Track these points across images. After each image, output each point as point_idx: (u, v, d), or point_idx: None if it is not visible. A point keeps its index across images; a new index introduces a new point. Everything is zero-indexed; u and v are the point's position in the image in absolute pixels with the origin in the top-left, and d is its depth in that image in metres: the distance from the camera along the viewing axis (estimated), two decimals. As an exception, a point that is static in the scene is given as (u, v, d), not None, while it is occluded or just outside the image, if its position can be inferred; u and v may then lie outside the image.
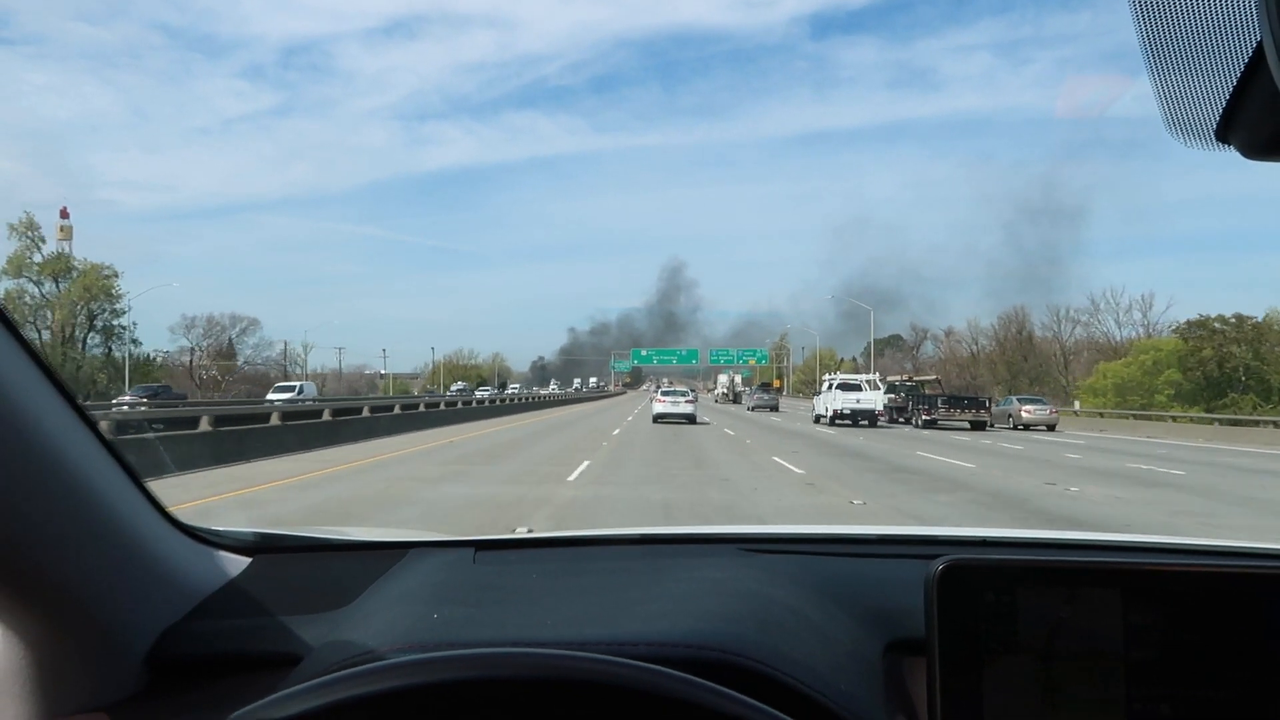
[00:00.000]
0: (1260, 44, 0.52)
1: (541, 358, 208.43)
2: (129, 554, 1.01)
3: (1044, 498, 11.84)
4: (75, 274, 55.01)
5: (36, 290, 54.59)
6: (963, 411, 32.84)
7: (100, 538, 0.97)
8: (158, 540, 1.08)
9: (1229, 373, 49.62)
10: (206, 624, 1.10)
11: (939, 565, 0.90)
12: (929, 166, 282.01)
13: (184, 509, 1.57)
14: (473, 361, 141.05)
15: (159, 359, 63.73)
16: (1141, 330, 63.91)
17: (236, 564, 1.24)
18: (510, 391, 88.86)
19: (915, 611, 0.95)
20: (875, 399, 33.83)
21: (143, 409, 27.48)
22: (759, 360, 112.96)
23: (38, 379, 0.89)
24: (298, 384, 51.08)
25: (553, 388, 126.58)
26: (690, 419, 32.18)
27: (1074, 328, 69.27)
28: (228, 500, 10.48)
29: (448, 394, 67.67)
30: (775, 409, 52.31)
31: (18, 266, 53.73)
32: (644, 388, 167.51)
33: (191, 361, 68.82)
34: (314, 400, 39.96)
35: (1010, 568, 0.91)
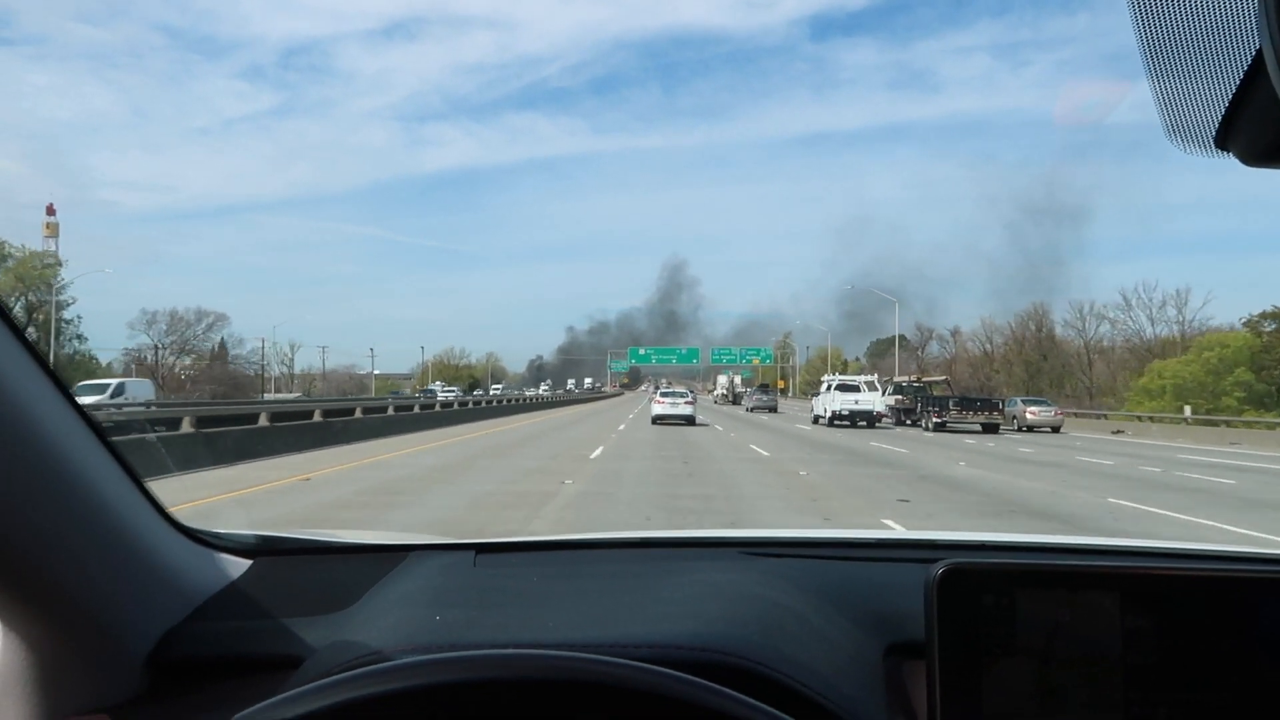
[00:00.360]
0: (1260, 51, 0.52)
1: (540, 357, 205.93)
2: (130, 556, 1.02)
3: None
4: (9, 261, 52.18)
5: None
6: (975, 413, 32.03)
7: (102, 540, 0.98)
8: (159, 542, 1.09)
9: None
10: (208, 626, 1.11)
11: (939, 569, 0.91)
12: (930, 167, 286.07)
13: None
14: (464, 361, 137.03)
15: (104, 358, 60.71)
16: (1176, 328, 60.66)
17: (237, 566, 1.25)
18: (481, 394, 76.17)
19: (915, 615, 0.96)
20: (874, 400, 33.96)
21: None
22: (763, 360, 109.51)
23: (40, 379, 0.89)
24: (113, 382, 35.34)
25: (543, 389, 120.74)
26: (689, 420, 32.18)
27: (1099, 324, 65.66)
28: None
29: (391, 396, 58.20)
30: (774, 409, 52.36)
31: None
32: (642, 388, 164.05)
33: (157, 359, 65.54)
34: (148, 404, 30.77)
35: (1009, 571, 0.92)
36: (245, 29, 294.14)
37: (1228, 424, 35.38)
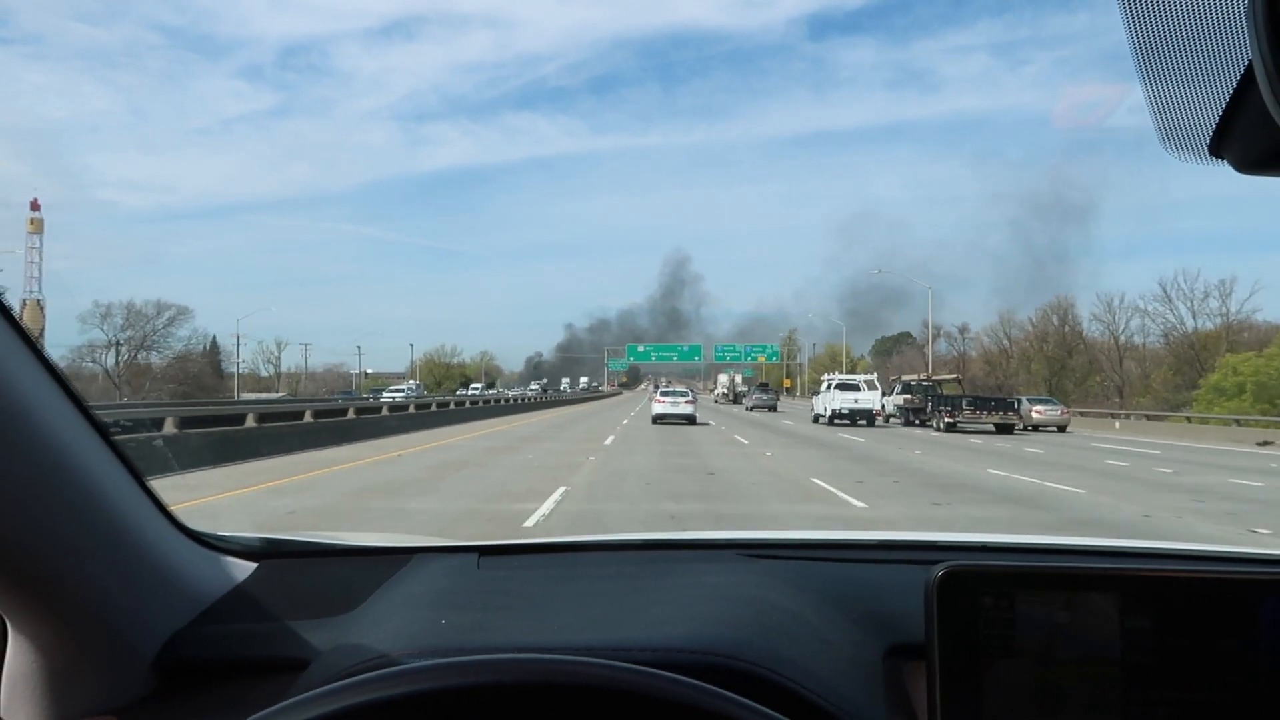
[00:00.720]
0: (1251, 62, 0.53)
1: (539, 354, 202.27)
2: (137, 559, 1.04)
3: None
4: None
5: None
6: (989, 413, 31.17)
7: (109, 543, 0.99)
8: (165, 545, 1.10)
9: None
10: (214, 628, 1.12)
11: (939, 571, 0.93)
12: (931, 165, 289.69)
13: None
14: (457, 359, 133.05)
15: (55, 354, 57.24)
16: (1219, 320, 56.05)
17: (243, 569, 1.27)
18: (450, 395, 66.14)
19: (914, 616, 0.97)
20: (873, 399, 34.21)
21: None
22: (769, 357, 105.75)
23: (47, 383, 0.90)
24: None
25: (533, 388, 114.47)
26: (690, 419, 32.26)
27: (1130, 318, 61.35)
28: None
29: (339, 398, 50.57)
30: (773, 409, 52.34)
31: None
32: (642, 387, 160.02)
33: (118, 358, 62.12)
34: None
35: (1009, 573, 0.93)
36: (244, 29, 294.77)
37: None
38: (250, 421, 19.53)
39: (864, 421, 33.48)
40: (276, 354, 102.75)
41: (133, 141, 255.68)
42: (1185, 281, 58.41)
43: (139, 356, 62.88)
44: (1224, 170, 0.62)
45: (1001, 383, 62.76)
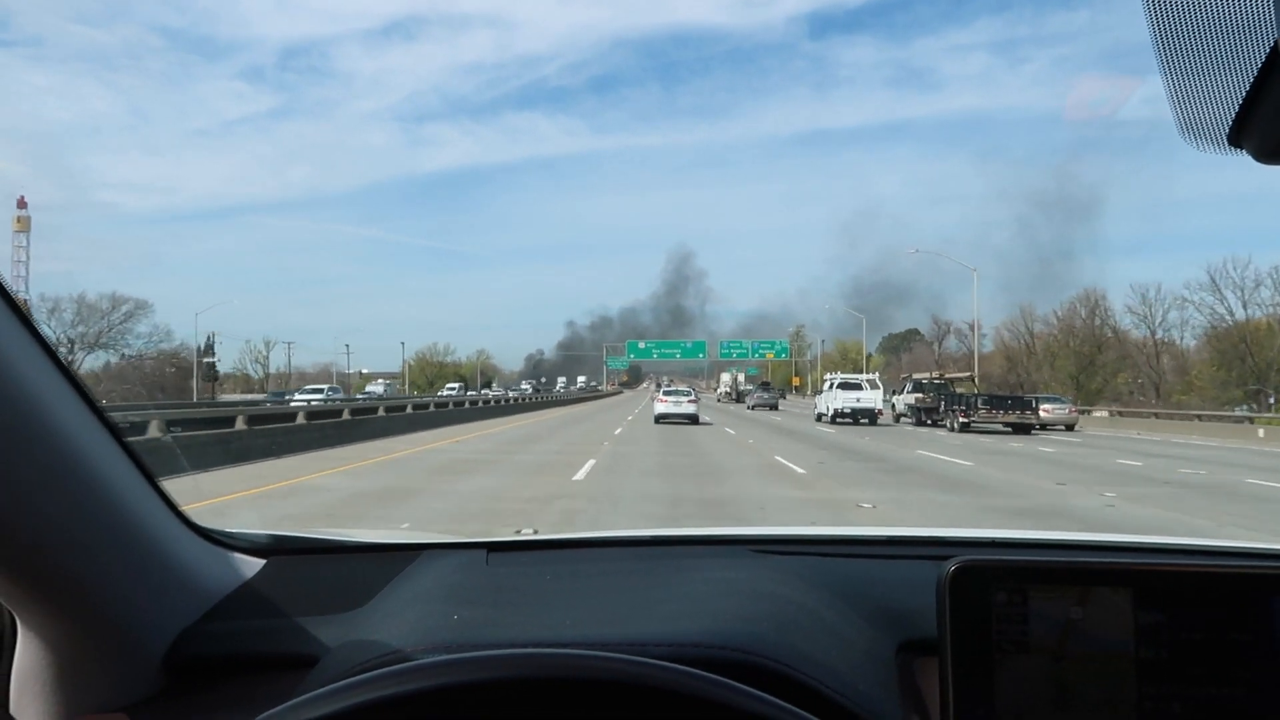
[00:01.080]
0: (1275, 48, 0.54)
1: (540, 351, 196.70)
2: (146, 555, 1.04)
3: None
4: None
5: None
6: (1006, 413, 30.45)
7: (119, 539, 1.00)
8: (174, 542, 1.11)
9: None
10: (223, 625, 1.13)
11: (951, 566, 0.93)
12: (934, 162, 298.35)
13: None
14: (450, 357, 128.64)
15: None
16: (1271, 309, 51.33)
17: (251, 565, 1.27)
18: (422, 395, 61.77)
19: (926, 612, 0.98)
20: (875, 398, 34.53)
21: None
22: (778, 354, 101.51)
23: (57, 379, 0.91)
24: None
25: (524, 387, 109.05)
26: (693, 419, 32.21)
27: (1167, 310, 56.66)
28: None
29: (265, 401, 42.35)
30: (774, 407, 52.73)
31: None
32: (644, 386, 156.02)
33: (70, 357, 58.50)
34: None
35: (1021, 568, 0.94)
36: (244, 30, 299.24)
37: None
38: (153, 431, 15.60)
39: (866, 420, 33.98)
40: (265, 354, 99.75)
41: (134, 143, 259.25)
42: (1235, 269, 53.59)
43: (114, 359, 59.12)
44: (1235, 163, 0.61)
45: (1022, 380, 58.79)
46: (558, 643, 0.99)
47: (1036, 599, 0.93)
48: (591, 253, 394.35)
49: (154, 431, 15.15)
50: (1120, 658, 0.92)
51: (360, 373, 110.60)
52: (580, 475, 13.72)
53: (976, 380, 40.50)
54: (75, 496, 0.92)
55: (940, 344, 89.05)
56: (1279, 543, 1.38)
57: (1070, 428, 33.60)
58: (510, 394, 68.38)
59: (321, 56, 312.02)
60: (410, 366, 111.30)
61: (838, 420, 34.18)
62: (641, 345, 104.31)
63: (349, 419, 23.57)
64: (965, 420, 30.32)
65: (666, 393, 35.27)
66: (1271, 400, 43.92)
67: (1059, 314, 64.34)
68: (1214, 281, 53.39)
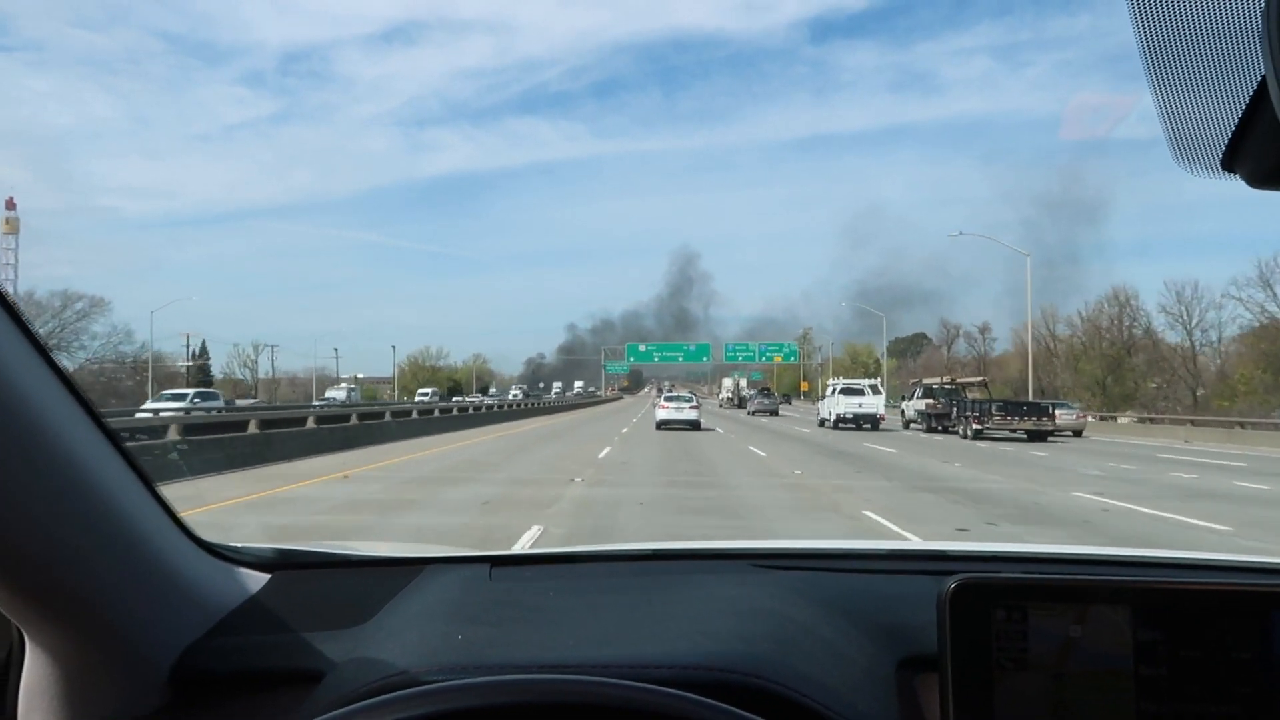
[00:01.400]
0: (1265, 77, 0.54)
1: (541, 355, 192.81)
2: (151, 570, 1.05)
3: None
4: None
5: None
6: (1021, 419, 29.79)
7: (123, 554, 1.00)
8: (179, 556, 1.11)
9: None
10: (228, 640, 1.13)
11: (952, 583, 0.95)
12: (936, 167, 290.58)
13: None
14: (443, 361, 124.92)
15: None
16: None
17: (256, 580, 1.28)
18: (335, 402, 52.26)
19: (926, 628, 0.99)
20: (877, 403, 35.12)
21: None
22: (786, 357, 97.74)
23: (60, 391, 0.92)
24: None
25: (514, 394, 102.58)
26: (694, 425, 32.64)
27: (1204, 310, 52.55)
28: None
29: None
30: (775, 413, 53.23)
31: None
32: (645, 391, 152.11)
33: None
34: None
35: (1022, 586, 0.95)
36: (245, 35, 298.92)
37: None
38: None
39: (868, 426, 34.43)
40: (253, 358, 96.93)
41: (134, 148, 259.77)
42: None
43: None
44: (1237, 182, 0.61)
45: (1044, 385, 55.06)
46: (561, 664, 1.01)
47: (1036, 616, 0.93)
48: (593, 257, 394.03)
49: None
50: (1119, 675, 0.92)
51: (357, 377, 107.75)
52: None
53: (1031, 389, 40.01)
54: (80, 510, 0.92)
55: (950, 347, 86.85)
56: (1278, 558, 1.38)
57: (1078, 434, 33.44)
58: (487, 401, 61.19)
59: (322, 61, 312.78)
60: (402, 370, 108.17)
61: (840, 425, 34.64)
62: (642, 348, 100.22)
63: (255, 433, 18.70)
64: (978, 427, 29.83)
65: (668, 398, 35.35)
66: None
67: (1084, 314, 60.70)
68: (1263, 278, 49.69)
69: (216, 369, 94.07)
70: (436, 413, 36.35)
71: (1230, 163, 0.61)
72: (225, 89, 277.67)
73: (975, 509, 11.07)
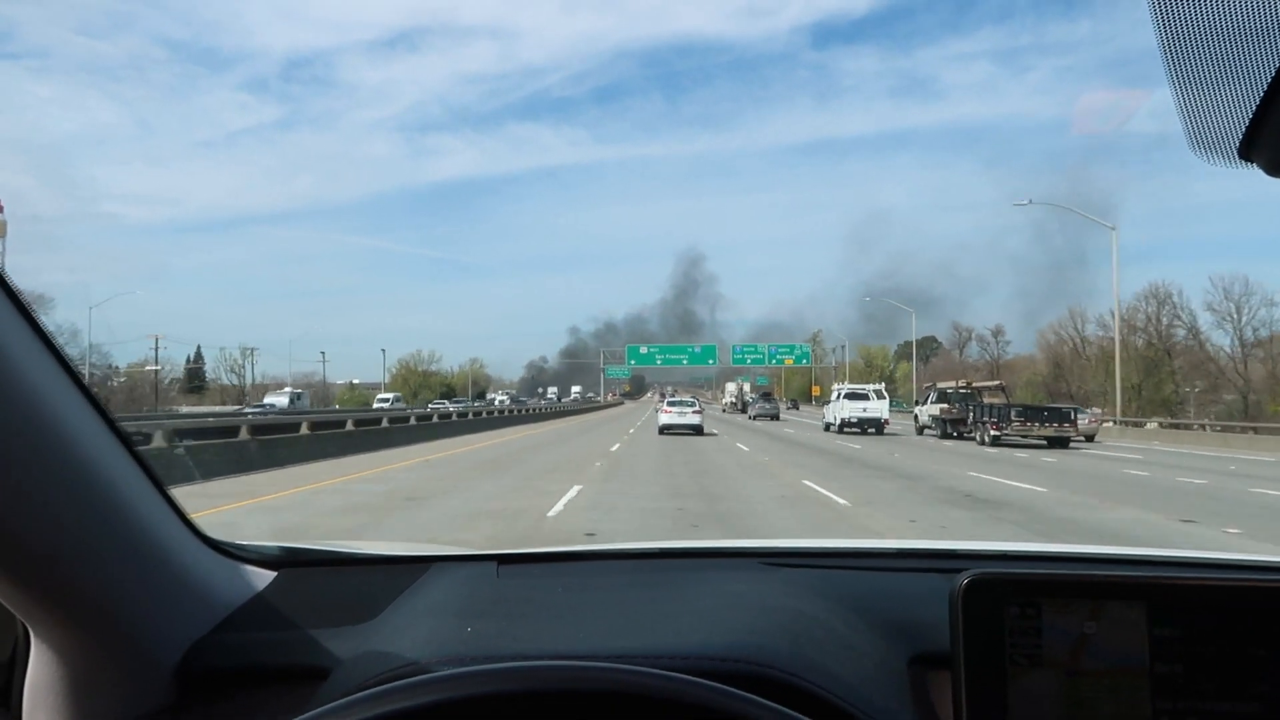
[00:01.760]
0: None
1: (543, 358, 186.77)
2: (159, 567, 1.06)
3: None
4: None
5: None
6: (1042, 425, 28.57)
7: (131, 550, 1.01)
8: (185, 554, 1.13)
9: None
10: (234, 637, 1.15)
11: (964, 579, 0.95)
12: (939, 171, 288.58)
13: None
14: (435, 365, 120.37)
15: None
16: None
17: (262, 578, 1.29)
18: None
19: (939, 625, 0.99)
20: (881, 408, 35.22)
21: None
22: (797, 360, 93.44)
23: (71, 390, 0.93)
24: None
25: (501, 398, 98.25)
26: (697, 430, 32.87)
27: (1256, 309, 47.99)
28: None
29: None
30: (775, 417, 53.55)
31: None
32: (647, 396, 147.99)
33: None
34: None
35: (1035, 582, 0.95)
36: (248, 41, 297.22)
37: None
38: None
39: (873, 430, 34.63)
40: (241, 363, 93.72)
41: (138, 154, 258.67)
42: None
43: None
44: (1252, 173, 0.62)
45: (1073, 390, 50.71)
46: (571, 655, 1.01)
47: (1050, 613, 0.93)
48: (597, 261, 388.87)
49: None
50: (1134, 672, 0.92)
51: (352, 383, 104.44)
52: None
53: (1119, 389, 38.50)
54: (88, 507, 0.93)
55: (962, 350, 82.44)
56: None
57: (1090, 438, 32.39)
58: (452, 408, 49.51)
59: (325, 67, 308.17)
60: (394, 375, 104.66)
61: (845, 430, 34.71)
62: (644, 350, 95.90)
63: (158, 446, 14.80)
64: (996, 433, 28.72)
65: (670, 403, 36.09)
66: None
67: (1117, 313, 56.02)
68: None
69: (211, 376, 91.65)
70: (410, 421, 31.90)
71: (1248, 151, 0.60)
72: (229, 95, 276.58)
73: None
